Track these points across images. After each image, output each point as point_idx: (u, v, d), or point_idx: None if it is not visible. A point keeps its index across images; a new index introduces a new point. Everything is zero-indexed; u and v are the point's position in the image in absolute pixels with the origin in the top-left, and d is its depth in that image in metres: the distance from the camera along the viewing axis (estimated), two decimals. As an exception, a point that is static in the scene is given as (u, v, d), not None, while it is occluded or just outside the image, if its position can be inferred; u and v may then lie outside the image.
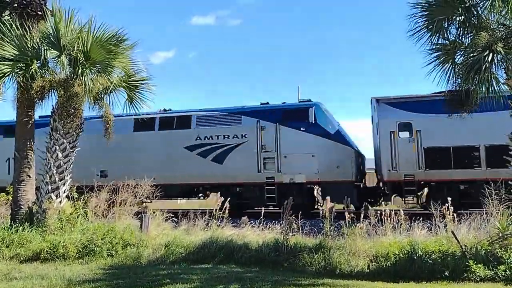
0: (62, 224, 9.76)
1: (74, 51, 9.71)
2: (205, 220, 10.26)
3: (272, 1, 69.93)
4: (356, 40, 67.38)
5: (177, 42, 70.67)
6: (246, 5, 72.24)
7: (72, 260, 8.85)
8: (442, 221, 8.73)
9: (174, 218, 11.05)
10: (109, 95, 10.89)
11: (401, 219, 9.04)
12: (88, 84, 9.54)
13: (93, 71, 9.96)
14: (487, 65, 6.55)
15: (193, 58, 72.73)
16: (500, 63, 6.92)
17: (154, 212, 10.62)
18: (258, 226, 10.29)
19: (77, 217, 10.10)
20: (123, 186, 11.13)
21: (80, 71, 9.57)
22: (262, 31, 69.18)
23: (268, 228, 10.19)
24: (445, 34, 7.46)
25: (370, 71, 66.35)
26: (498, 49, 6.60)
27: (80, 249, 9.01)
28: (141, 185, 11.07)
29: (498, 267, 7.00)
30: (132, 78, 10.86)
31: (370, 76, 66.61)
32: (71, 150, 10.52)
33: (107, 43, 9.85)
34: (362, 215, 9.06)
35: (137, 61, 10.87)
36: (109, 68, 9.88)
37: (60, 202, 10.28)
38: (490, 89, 6.74)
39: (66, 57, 9.74)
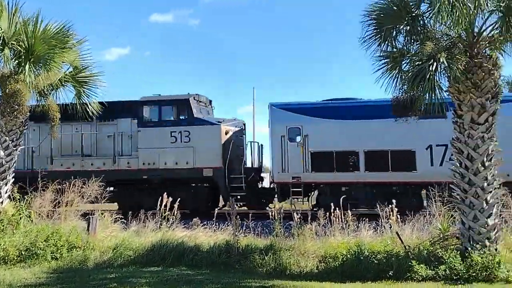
0: (3, 226, 9.31)
1: (17, 46, 9.25)
2: (156, 222, 10.07)
3: (232, 2, 69.83)
4: (310, 41, 68.51)
5: (133, 39, 69.01)
6: (206, 5, 71.77)
7: (13, 263, 8.54)
8: (388, 222, 9.02)
9: (123, 220, 10.77)
10: (56, 91, 10.50)
11: (349, 220, 9.26)
12: (31, 80, 9.12)
13: (37, 66, 9.52)
14: (431, 73, 6.83)
15: (149, 56, 71.33)
16: (443, 71, 7.23)
17: (102, 214, 10.33)
18: (210, 227, 10.21)
19: (20, 218, 9.65)
20: (70, 185, 10.73)
21: (22, 66, 9.13)
22: (221, 31, 69.00)
23: (221, 229, 10.14)
24: (393, 42, 7.72)
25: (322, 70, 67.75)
26: (441, 59, 6.90)
27: (22, 252, 8.68)
28: (88, 185, 10.70)
29: (439, 267, 7.29)
30: (80, 74, 10.50)
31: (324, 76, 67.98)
32: (14, 148, 10.04)
33: (53, 38, 9.45)
34: (309, 216, 9.20)
35: (86, 57, 10.52)
36: (53, 63, 9.45)
37: (2, 202, 9.81)
38: (433, 96, 7.05)
39: (10, 51, 9.26)
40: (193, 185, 15.72)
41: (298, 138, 14.88)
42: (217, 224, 10.57)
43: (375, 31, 7.66)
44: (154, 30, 68.46)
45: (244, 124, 16.91)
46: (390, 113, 10.96)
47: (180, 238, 9.25)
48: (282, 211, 9.37)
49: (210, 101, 17.07)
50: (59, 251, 8.93)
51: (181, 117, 15.36)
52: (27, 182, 11.91)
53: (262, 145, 16.92)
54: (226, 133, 15.37)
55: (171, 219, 9.74)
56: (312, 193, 15.14)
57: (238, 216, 9.09)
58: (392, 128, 13.01)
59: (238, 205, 15.00)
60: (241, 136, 16.40)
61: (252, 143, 17.10)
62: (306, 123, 14.69)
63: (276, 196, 15.32)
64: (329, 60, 68.25)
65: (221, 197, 15.97)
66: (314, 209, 13.62)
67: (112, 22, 68.34)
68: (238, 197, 14.78)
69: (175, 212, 9.82)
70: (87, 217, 9.93)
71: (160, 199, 9.89)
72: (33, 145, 16.06)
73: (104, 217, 10.32)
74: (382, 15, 7.59)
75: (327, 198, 13.87)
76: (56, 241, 9.03)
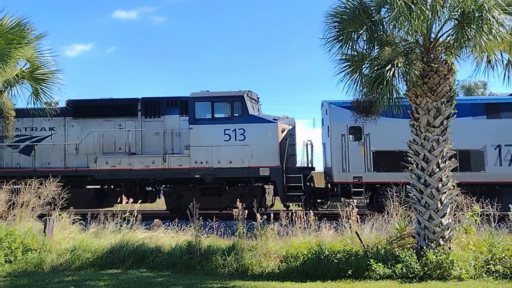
0: (-48, 228, 8.89)
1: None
2: (116, 223, 9.86)
3: (199, 0, 69.40)
4: (283, 37, 69.09)
5: (96, 35, 67.23)
6: (172, 3, 71.08)
7: (-37, 268, 8.13)
8: (348, 221, 9.20)
9: (82, 221, 10.50)
10: (11, 88, 10.07)
11: (310, 220, 9.37)
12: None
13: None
14: (389, 78, 7.01)
15: (112, 52, 69.79)
16: (401, 76, 7.44)
17: (60, 215, 10.03)
18: (173, 228, 10.10)
19: (-29, 220, 9.26)
20: (26, 185, 10.36)
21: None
22: (188, 29, 68.46)
23: (183, 230, 10.05)
24: (354, 45, 7.86)
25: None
26: (399, 64, 7.10)
27: (-28, 255, 8.29)
28: (45, 186, 10.36)
29: (396, 266, 7.49)
30: (38, 71, 10.10)
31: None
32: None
33: (10, 32, 9.05)
34: (272, 216, 9.24)
35: (44, 53, 10.11)
36: (10, 59, 9.06)
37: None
38: (391, 99, 7.24)
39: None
40: (248, 184, 15.12)
41: (359, 137, 14.44)
42: (179, 225, 10.48)
43: (337, 33, 7.77)
44: (118, 27, 67.14)
45: (295, 122, 16.31)
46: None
47: (141, 240, 9.10)
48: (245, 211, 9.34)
49: (258, 98, 16.32)
50: (13, 253, 8.67)
51: (235, 114, 14.76)
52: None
53: (313, 144, 16.33)
54: (282, 131, 14.96)
55: (131, 220, 9.55)
56: (369, 193, 14.69)
57: (200, 217, 9.03)
58: (457, 127, 13.21)
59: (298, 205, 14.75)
60: (293, 134, 15.83)
61: (305, 141, 16.34)
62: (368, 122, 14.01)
63: (332, 196, 14.93)
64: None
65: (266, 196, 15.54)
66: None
67: (74, 17, 66.50)
68: (295, 197, 14.56)
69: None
70: (44, 218, 9.63)
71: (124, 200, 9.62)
72: (72, 141, 15.25)
73: (62, 218, 10.03)
74: (344, 18, 7.70)
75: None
76: (10, 244, 8.76)
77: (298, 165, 15.61)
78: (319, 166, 17.42)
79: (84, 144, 15.20)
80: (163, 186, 15.80)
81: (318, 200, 15.19)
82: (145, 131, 15.30)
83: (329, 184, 15.30)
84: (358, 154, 14.35)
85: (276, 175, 14.43)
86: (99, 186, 15.63)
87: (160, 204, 18.26)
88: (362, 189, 14.25)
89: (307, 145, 15.74)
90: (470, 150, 13.88)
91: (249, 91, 15.29)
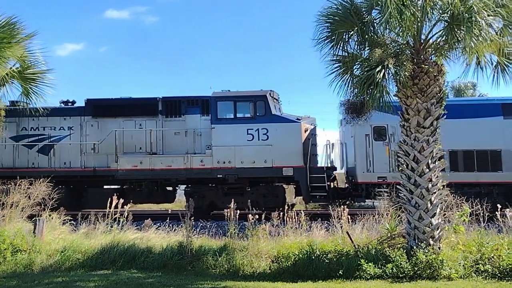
0: None
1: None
2: (107, 223, 9.79)
3: (192, 0, 69.23)
4: (273, 39, 69.13)
5: (88, 35, 66.81)
6: (165, 3, 70.83)
7: (-50, 269, 8.03)
8: (339, 221, 9.23)
9: (72, 222, 10.42)
10: (1, 88, 9.97)
11: (302, 220, 9.39)
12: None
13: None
14: (379, 79, 7.06)
15: (104, 52, 69.45)
16: (392, 77, 7.47)
17: (50, 215, 9.94)
18: (164, 229, 10.06)
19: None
20: (15, 185, 10.26)
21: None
22: (183, 29, 68.29)
23: (174, 231, 10.02)
24: (345, 46, 7.88)
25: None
26: (389, 66, 7.14)
27: (-40, 256, 8.20)
28: (35, 186, 10.26)
29: (386, 265, 7.53)
30: (28, 70, 10.02)
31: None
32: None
33: (0, 31, 8.98)
34: (263, 216, 9.25)
35: (34, 52, 10.03)
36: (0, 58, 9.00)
37: None
38: (381, 100, 7.28)
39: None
40: (270, 184, 15.05)
41: (384, 137, 14.49)
42: (171, 225, 10.45)
43: (328, 34, 7.79)
44: (110, 26, 66.82)
45: (316, 122, 16.22)
46: (476, 113, 10.08)
47: (132, 240, 9.05)
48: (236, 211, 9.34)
49: (279, 97, 16.21)
50: (2, 254, 8.57)
51: (258, 114, 14.71)
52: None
53: (333, 144, 16.33)
54: (305, 131, 14.91)
55: (122, 221, 9.49)
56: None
57: (192, 217, 9.00)
58: (477, 127, 13.19)
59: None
60: (315, 134, 15.75)
61: (327, 141, 16.38)
62: (392, 122, 13.58)
63: (355, 196, 14.93)
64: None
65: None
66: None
67: (65, 16, 66.06)
68: (317, 197, 14.52)
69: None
70: (34, 219, 9.55)
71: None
72: (92, 141, 15.08)
73: (52, 218, 9.95)
74: (335, 19, 7.72)
75: None
76: (-1, 244, 8.66)
77: (319, 164, 15.60)
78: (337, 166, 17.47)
79: (104, 144, 15.01)
80: (184, 186, 15.69)
81: (340, 200, 15.03)
82: (166, 131, 15.17)
83: (351, 184, 15.28)
84: (383, 154, 14.39)
85: (299, 175, 14.40)
86: (118, 186, 15.51)
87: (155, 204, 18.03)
88: (387, 189, 14.13)
89: (327, 145, 15.75)
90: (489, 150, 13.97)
91: (271, 90, 15.23)
